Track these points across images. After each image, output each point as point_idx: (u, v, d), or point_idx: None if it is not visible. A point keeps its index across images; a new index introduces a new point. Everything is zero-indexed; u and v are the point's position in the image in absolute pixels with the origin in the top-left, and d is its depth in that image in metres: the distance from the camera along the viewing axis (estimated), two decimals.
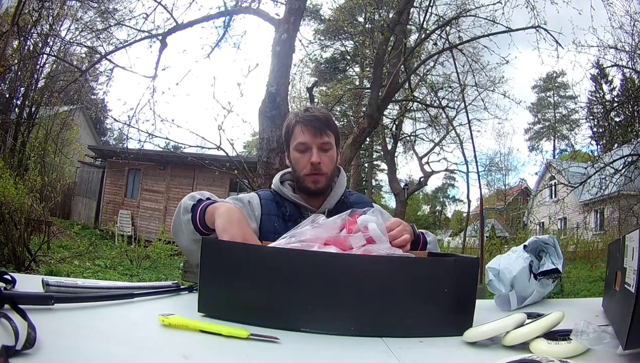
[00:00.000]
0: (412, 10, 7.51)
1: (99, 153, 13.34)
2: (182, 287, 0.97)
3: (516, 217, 18.42)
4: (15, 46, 8.05)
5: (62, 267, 6.18)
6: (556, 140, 23.12)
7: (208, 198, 1.01)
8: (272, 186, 1.23)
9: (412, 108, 11.99)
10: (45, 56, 9.30)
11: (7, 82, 9.61)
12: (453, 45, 6.88)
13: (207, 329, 0.62)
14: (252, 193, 1.21)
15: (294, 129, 1.16)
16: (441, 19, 7.43)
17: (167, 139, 5.57)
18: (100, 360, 0.50)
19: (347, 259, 0.74)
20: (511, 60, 7.18)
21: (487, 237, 11.17)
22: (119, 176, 12.32)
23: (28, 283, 0.83)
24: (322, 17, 12.53)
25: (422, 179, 15.04)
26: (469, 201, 8.15)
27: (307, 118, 1.15)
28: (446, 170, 16.44)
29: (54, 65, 10.14)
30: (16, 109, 10.14)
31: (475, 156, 7.32)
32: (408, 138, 15.35)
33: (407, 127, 15.21)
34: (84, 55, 9.99)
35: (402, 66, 6.18)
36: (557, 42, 6.12)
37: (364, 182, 18.57)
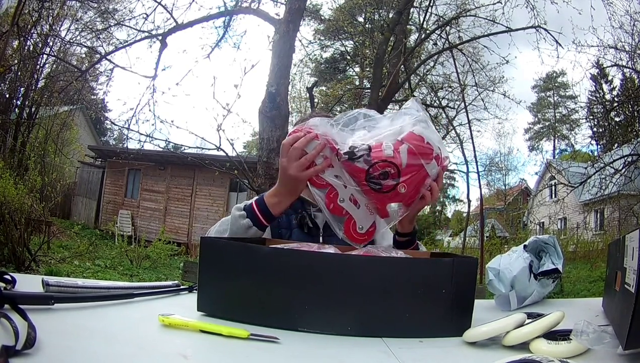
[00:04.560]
0: (412, 10, 7.51)
1: (99, 153, 13.34)
2: (182, 287, 0.97)
3: (516, 217, 18.41)
4: (15, 46, 8.05)
5: (62, 267, 6.18)
6: (556, 140, 23.10)
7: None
8: None
9: None
10: (45, 56, 9.30)
11: (7, 82, 9.60)
12: (453, 45, 6.88)
13: (207, 329, 0.62)
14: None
15: None
16: (441, 19, 7.43)
17: (167, 140, 5.59)
18: (100, 360, 0.50)
19: (347, 259, 0.74)
20: (511, 60, 7.19)
21: (487, 237, 11.18)
22: (119, 176, 12.31)
23: (28, 283, 0.83)
24: (322, 17, 12.52)
25: None
26: (469, 201, 8.16)
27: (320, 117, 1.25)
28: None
29: (54, 65, 10.13)
30: (16, 109, 10.13)
31: (475, 156, 7.34)
32: None
33: None
34: (84, 55, 10.01)
35: (402, 66, 6.18)
36: (557, 42, 6.14)
37: None
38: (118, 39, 7.65)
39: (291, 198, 0.93)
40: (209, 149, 6.52)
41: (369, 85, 7.41)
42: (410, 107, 0.88)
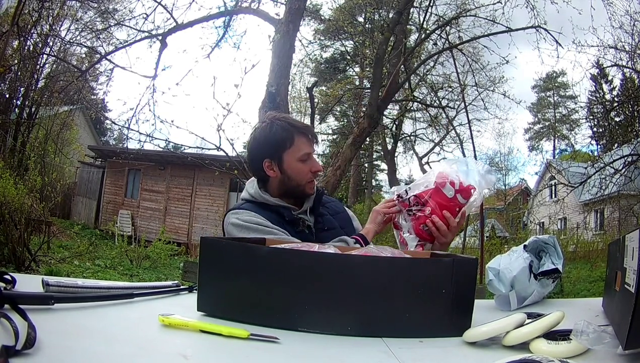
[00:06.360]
0: (412, 10, 7.50)
1: (99, 153, 13.34)
2: (182, 287, 0.97)
3: (516, 217, 18.41)
4: (15, 46, 8.05)
5: (62, 267, 6.18)
6: (556, 140, 23.06)
7: None
8: (253, 197, 1.26)
9: (412, 108, 12.00)
10: (45, 56, 9.30)
11: (7, 82, 9.59)
12: (453, 45, 6.88)
13: (207, 329, 0.62)
14: (245, 212, 1.20)
15: (295, 140, 1.18)
16: (441, 19, 7.43)
17: (167, 140, 5.59)
18: (100, 360, 0.50)
19: (347, 259, 0.74)
20: (511, 60, 7.19)
21: (487, 237, 11.17)
22: (119, 176, 12.31)
23: (28, 283, 0.83)
24: (322, 17, 12.52)
25: None
26: None
27: (308, 129, 1.23)
28: None
29: (54, 65, 10.12)
30: (16, 109, 10.12)
31: (475, 156, 7.33)
32: (408, 138, 15.36)
33: (407, 127, 15.25)
34: (84, 55, 10.00)
35: (402, 66, 6.18)
36: (557, 42, 6.14)
37: (364, 182, 18.53)
38: (118, 39, 7.67)
39: (375, 231, 1.28)
40: (209, 149, 6.52)
41: (369, 85, 7.40)
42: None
